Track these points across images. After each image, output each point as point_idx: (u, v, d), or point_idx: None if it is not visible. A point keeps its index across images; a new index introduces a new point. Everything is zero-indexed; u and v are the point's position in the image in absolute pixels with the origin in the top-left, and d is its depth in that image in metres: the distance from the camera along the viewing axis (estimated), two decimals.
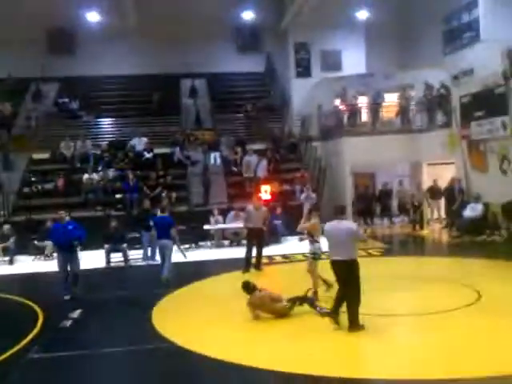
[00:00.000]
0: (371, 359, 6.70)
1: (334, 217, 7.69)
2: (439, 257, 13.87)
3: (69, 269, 10.21)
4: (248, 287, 8.35)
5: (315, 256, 9.32)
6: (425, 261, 13.43)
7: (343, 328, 7.38)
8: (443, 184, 18.04)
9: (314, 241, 9.36)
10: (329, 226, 7.70)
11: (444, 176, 18.41)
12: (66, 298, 10.04)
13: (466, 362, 6.07)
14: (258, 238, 12.28)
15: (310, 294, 8.78)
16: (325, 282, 9.10)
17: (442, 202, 18.12)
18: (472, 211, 15.63)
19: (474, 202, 15.81)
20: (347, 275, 7.35)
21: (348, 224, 7.74)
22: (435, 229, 17.97)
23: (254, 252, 12.25)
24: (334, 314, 7.49)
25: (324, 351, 6.69)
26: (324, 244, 8.66)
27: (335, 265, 7.45)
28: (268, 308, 8.19)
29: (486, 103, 15.55)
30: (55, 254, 11.23)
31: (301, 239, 14.14)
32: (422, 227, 17.74)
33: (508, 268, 11.43)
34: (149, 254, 14.32)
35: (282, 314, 8.17)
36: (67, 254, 10.20)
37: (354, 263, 7.38)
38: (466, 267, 12.13)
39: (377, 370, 6.17)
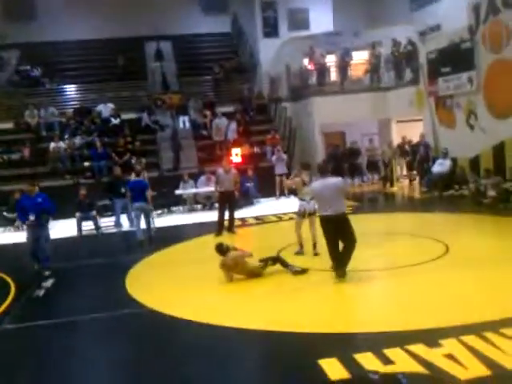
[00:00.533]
0: (346, 314, 6.81)
1: (320, 175, 7.99)
2: (409, 212, 14.10)
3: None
4: (221, 249, 8.37)
5: (297, 213, 9.51)
6: (395, 216, 13.64)
7: (317, 285, 7.52)
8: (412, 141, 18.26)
9: (299, 199, 9.52)
10: (316, 183, 7.99)
11: (413, 133, 18.58)
12: (36, 267, 9.87)
13: (436, 313, 6.24)
14: (229, 200, 12.29)
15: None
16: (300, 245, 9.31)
17: None
18: (440, 167, 15.86)
19: (442, 157, 16.03)
20: (342, 229, 7.61)
21: (334, 180, 7.93)
22: (405, 185, 18.23)
23: (227, 215, 12.27)
24: (340, 270, 7.66)
25: (298, 308, 6.78)
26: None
27: (326, 220, 7.63)
28: (241, 268, 8.23)
29: (453, 59, 15.60)
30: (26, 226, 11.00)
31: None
32: (392, 184, 17.99)
33: (475, 221, 11.74)
34: (121, 221, 14.22)
35: (255, 274, 8.24)
36: (36, 228, 9.73)
37: (345, 216, 7.68)
38: (435, 222, 12.41)
39: (352, 325, 6.28)
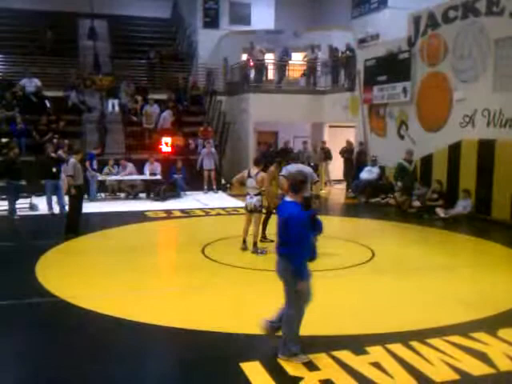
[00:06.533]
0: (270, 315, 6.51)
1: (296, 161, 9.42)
2: (335, 216, 14.11)
3: None
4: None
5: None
6: (322, 220, 13.54)
7: (248, 283, 7.19)
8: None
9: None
10: (291, 167, 8.83)
11: (343, 139, 18.68)
12: None
13: (363, 319, 6.10)
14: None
15: None
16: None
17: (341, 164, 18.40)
18: (368, 174, 16.03)
19: (371, 165, 16.20)
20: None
21: (306, 166, 9.36)
22: (332, 190, 18.31)
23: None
24: None
25: (220, 307, 6.45)
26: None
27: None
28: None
29: (390, 68, 15.78)
30: None
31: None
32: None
33: (400, 229, 11.88)
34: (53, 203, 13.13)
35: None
36: None
37: None
38: (361, 227, 12.46)
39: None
